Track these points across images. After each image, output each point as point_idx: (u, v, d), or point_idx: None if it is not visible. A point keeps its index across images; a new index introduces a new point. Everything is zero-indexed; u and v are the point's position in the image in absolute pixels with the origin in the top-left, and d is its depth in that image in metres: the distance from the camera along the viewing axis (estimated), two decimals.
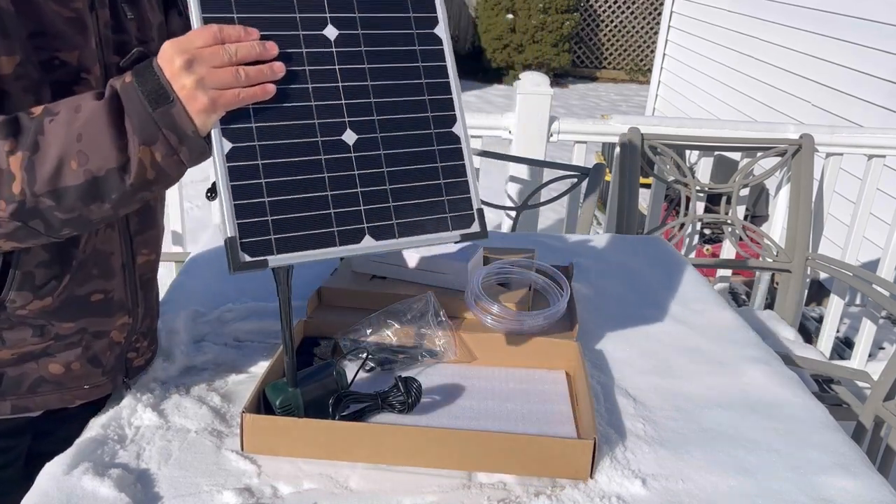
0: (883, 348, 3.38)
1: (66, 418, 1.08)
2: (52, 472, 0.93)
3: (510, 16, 10.61)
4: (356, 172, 0.90)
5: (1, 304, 0.94)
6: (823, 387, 2.30)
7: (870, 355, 2.98)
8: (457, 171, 0.96)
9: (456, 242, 0.97)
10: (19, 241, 0.84)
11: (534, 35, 10.59)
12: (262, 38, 0.85)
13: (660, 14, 9.31)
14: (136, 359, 1.14)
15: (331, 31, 0.90)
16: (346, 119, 0.90)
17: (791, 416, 1.16)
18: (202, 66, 0.80)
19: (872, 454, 1.87)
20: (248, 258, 0.84)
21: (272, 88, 0.84)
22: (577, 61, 11.80)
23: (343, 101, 0.90)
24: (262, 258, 0.85)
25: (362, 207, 0.90)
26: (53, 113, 0.80)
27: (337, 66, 0.90)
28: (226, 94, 0.81)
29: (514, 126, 2.68)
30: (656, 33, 9.87)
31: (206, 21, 0.83)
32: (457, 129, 0.97)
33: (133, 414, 1.07)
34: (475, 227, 0.96)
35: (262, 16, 0.86)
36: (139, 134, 0.80)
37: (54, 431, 1.09)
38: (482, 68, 11.10)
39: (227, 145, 0.84)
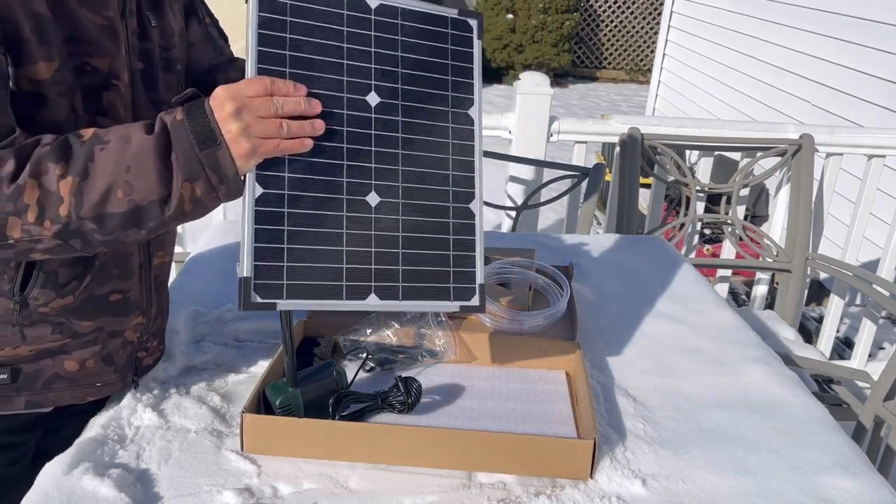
0: (883, 348, 3.38)
1: (73, 416, 1.09)
2: (52, 472, 0.93)
3: (510, 16, 10.61)
4: (373, 233, 0.95)
5: (24, 302, 0.96)
6: (823, 387, 2.30)
7: (870, 355, 2.98)
8: (467, 245, 1.01)
9: (453, 311, 1.03)
10: (53, 255, 0.88)
11: (534, 35, 10.59)
12: (309, 94, 0.90)
13: (660, 14, 9.31)
14: (146, 358, 1.16)
15: (373, 98, 0.96)
16: (373, 182, 0.95)
17: (791, 416, 1.16)
18: (250, 115, 0.85)
19: (872, 454, 1.87)
20: (258, 299, 0.88)
21: (310, 143, 0.89)
22: (577, 61, 11.80)
23: (373, 165, 0.95)
24: (271, 301, 0.89)
25: (373, 267, 0.95)
26: (104, 141, 0.84)
27: (373, 132, 0.95)
28: (267, 144, 0.86)
29: (514, 126, 2.67)
30: (656, 33, 9.88)
31: (260, 72, 0.88)
32: (473, 206, 1.02)
33: (133, 414, 1.07)
34: (475, 301, 1.01)
35: (313, 74, 0.91)
36: (183, 171, 0.85)
37: (62, 429, 1.10)
38: (482, 68, 11.11)
39: (259, 190, 0.89)
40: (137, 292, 1.08)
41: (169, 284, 1.50)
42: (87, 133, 0.85)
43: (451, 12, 1.02)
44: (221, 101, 0.85)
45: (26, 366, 1.01)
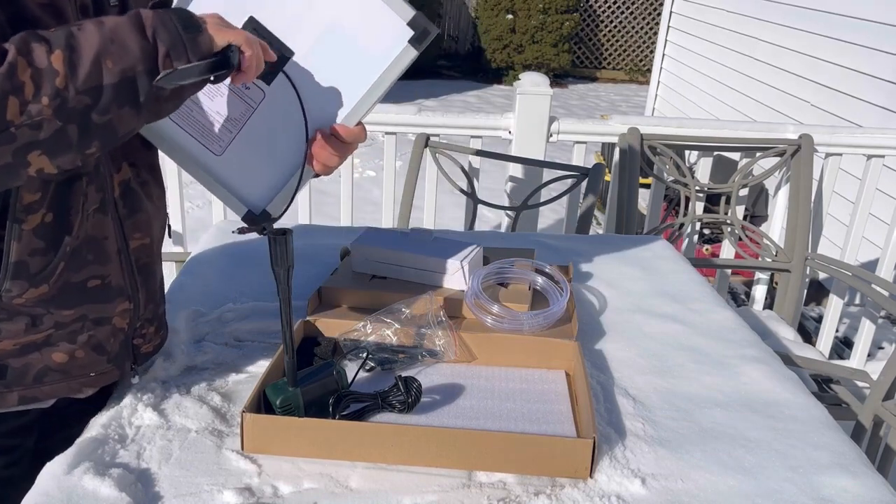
0: (882, 348, 3.38)
1: (73, 417, 1.08)
2: (52, 472, 0.94)
3: (510, 16, 10.61)
4: None
5: None
6: (823, 386, 2.31)
7: (869, 355, 2.99)
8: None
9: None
10: (50, 154, 0.84)
11: (534, 35, 10.60)
12: None
13: (659, 14, 9.31)
14: (144, 345, 1.14)
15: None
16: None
17: (790, 415, 1.16)
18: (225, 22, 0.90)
19: (872, 454, 1.87)
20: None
21: (261, 65, 0.93)
22: (576, 62, 11.81)
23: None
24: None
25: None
26: (77, 24, 0.84)
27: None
28: (238, 32, 0.90)
29: (513, 126, 2.68)
30: (656, 33, 9.87)
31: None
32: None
33: (133, 413, 1.07)
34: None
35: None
36: (166, 45, 0.85)
37: (62, 430, 1.10)
38: (482, 68, 11.11)
39: None
40: (119, 277, 1.06)
41: (169, 284, 1.51)
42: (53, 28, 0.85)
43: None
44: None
45: (13, 361, 0.99)
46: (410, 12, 0.99)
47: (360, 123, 1.03)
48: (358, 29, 1.00)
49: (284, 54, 0.99)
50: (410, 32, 0.99)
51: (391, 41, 1.01)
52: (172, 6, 0.94)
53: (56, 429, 1.12)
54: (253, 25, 0.99)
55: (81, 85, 0.82)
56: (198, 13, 0.93)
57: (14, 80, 0.78)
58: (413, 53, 1.00)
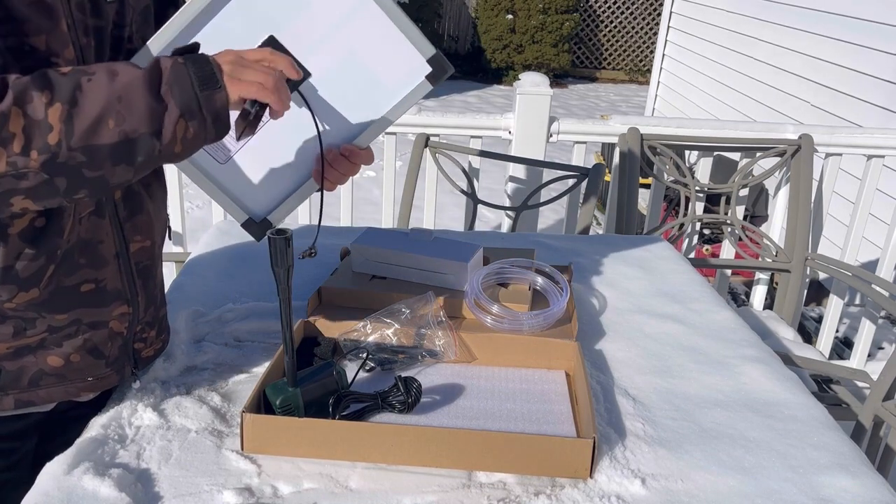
0: (882, 348, 3.38)
1: (73, 421, 1.08)
2: (52, 472, 0.94)
3: (510, 16, 10.61)
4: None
5: None
6: (823, 387, 2.31)
7: (869, 355, 2.99)
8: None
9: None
10: (35, 198, 0.84)
11: (534, 35, 10.59)
12: None
13: (659, 14, 9.31)
14: (145, 349, 1.14)
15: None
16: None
17: (790, 415, 1.16)
18: (245, 61, 0.89)
19: (872, 454, 1.87)
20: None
21: (287, 104, 0.93)
22: (576, 62, 11.81)
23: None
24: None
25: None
26: (89, 73, 0.82)
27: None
28: (252, 87, 0.89)
29: (513, 126, 2.68)
30: (656, 34, 9.87)
31: None
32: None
33: (133, 414, 1.07)
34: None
35: None
36: (181, 107, 0.84)
37: (61, 434, 1.09)
38: (482, 68, 11.11)
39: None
40: (116, 281, 1.04)
41: (169, 284, 1.51)
42: (65, 68, 0.83)
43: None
44: (223, 52, 0.89)
45: (7, 364, 0.99)
46: (431, 50, 1.02)
47: (367, 147, 1.06)
48: (378, 59, 1.03)
49: (303, 74, 1.01)
50: (428, 69, 1.03)
51: (409, 75, 1.04)
52: (191, 45, 0.93)
53: (57, 433, 1.12)
54: (273, 44, 1.00)
55: (76, 143, 0.80)
56: (219, 38, 0.94)
57: (4, 131, 0.77)
58: (428, 88, 1.03)
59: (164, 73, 0.84)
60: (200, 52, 0.91)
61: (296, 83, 1.00)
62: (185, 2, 1.03)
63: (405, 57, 1.02)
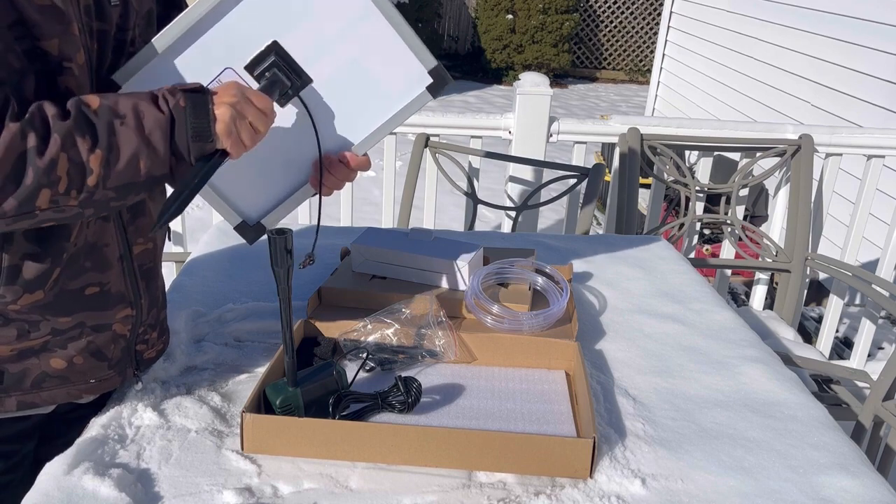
0: (882, 348, 3.38)
1: (73, 423, 1.08)
2: (52, 472, 0.94)
3: (510, 16, 10.61)
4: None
5: None
6: (823, 387, 2.30)
7: (869, 355, 2.98)
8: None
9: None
10: (61, 221, 0.91)
11: (534, 35, 10.59)
12: None
13: (659, 14, 9.32)
14: (147, 351, 1.14)
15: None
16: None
17: (790, 415, 1.16)
18: (243, 120, 0.95)
19: (872, 454, 1.87)
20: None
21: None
22: (576, 62, 11.80)
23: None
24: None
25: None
26: (120, 115, 0.88)
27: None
28: (238, 146, 0.96)
29: (513, 126, 2.68)
30: (656, 34, 9.87)
31: None
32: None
33: (133, 414, 1.07)
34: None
35: None
36: (177, 158, 0.93)
37: (62, 436, 1.09)
38: (482, 68, 11.10)
39: None
40: (120, 284, 1.05)
41: (169, 284, 1.51)
42: (93, 102, 0.88)
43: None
44: (227, 92, 0.93)
45: (11, 366, 0.99)
46: (433, 62, 1.03)
47: (365, 154, 1.08)
48: (380, 68, 1.04)
49: (303, 80, 1.02)
50: (429, 80, 1.04)
51: (409, 85, 1.05)
52: (190, 85, 0.97)
53: (58, 434, 1.12)
54: (276, 49, 1.01)
55: (111, 184, 0.89)
56: (223, 41, 0.99)
57: (52, 175, 0.84)
58: (428, 99, 1.05)
59: (178, 118, 0.91)
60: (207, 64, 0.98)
61: (297, 88, 1.01)
62: (188, 5, 1.04)
63: (407, 67, 1.03)
